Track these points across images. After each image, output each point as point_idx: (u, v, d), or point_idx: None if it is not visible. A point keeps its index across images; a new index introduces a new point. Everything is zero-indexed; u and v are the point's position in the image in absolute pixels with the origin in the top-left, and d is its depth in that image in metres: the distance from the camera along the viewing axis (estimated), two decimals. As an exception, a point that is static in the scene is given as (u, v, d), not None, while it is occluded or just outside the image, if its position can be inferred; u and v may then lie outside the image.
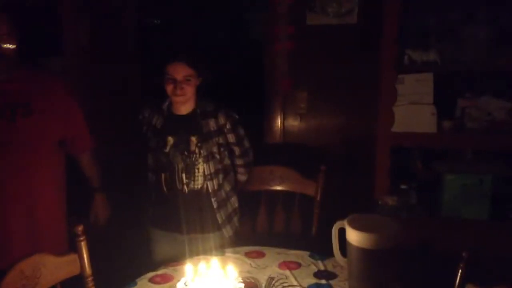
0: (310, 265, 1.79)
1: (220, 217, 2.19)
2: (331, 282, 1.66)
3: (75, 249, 1.61)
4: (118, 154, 2.84)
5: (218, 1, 5.27)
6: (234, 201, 2.29)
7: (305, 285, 1.64)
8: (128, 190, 2.72)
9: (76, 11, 2.78)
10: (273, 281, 1.67)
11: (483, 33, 2.38)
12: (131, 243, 2.43)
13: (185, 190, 2.14)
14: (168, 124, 2.18)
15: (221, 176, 2.20)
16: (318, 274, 1.72)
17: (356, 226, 1.47)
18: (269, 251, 1.92)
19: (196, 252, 2.01)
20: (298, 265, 1.79)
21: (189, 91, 2.10)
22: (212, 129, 2.15)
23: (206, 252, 1.98)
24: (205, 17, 5.24)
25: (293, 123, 2.97)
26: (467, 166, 2.43)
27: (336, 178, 2.48)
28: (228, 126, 2.17)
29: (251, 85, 3.60)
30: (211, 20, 5.36)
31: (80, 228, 1.60)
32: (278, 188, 2.47)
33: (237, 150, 2.26)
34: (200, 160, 2.12)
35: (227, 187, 2.25)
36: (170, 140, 2.14)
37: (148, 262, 2.14)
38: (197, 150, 2.12)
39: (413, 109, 2.41)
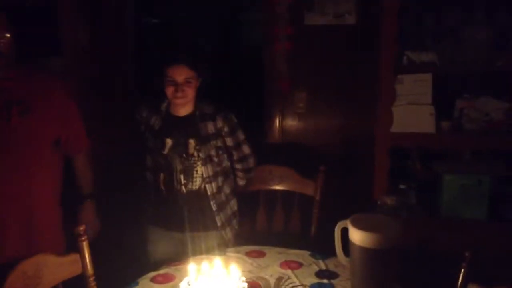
0: (311, 265, 1.80)
1: (219, 220, 2.19)
2: (333, 281, 1.67)
3: (76, 249, 1.60)
4: (118, 154, 2.83)
5: (214, 2, 5.28)
6: (233, 204, 2.29)
7: (307, 284, 1.65)
8: (127, 190, 2.71)
9: (76, 11, 2.77)
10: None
11: (482, 34, 2.40)
12: (132, 243, 2.41)
13: (183, 191, 2.13)
14: (166, 126, 2.16)
15: (220, 178, 2.19)
16: (319, 274, 1.72)
17: (359, 226, 1.47)
18: (270, 251, 1.92)
19: (195, 251, 2.01)
20: (300, 264, 1.80)
21: (190, 93, 2.09)
22: (210, 132, 2.13)
23: (205, 251, 1.98)
24: (202, 17, 5.25)
25: (292, 123, 2.97)
26: (465, 167, 2.44)
27: (335, 178, 2.49)
28: (226, 129, 2.16)
29: (250, 85, 3.61)
30: (208, 20, 5.37)
31: (81, 228, 1.60)
32: (278, 187, 2.47)
33: (235, 154, 2.25)
34: (199, 162, 2.11)
35: (227, 190, 2.24)
36: (168, 142, 2.12)
37: (147, 262, 2.15)
38: (195, 153, 2.10)
39: (411, 109, 2.43)
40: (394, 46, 2.36)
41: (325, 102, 2.90)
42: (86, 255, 1.60)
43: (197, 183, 2.13)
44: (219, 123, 2.14)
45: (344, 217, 1.58)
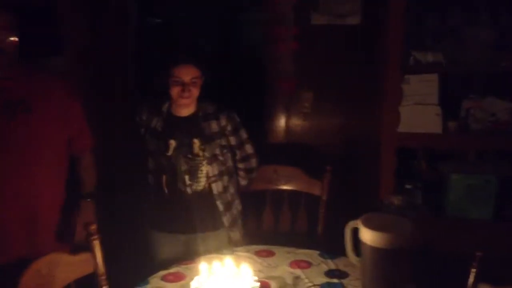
0: (321, 264, 1.80)
1: (226, 220, 2.19)
2: (343, 281, 1.67)
3: (81, 248, 1.61)
4: (118, 155, 2.83)
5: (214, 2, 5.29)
6: (238, 204, 2.29)
7: (318, 284, 1.66)
8: (127, 190, 2.71)
9: (76, 11, 2.78)
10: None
11: (487, 34, 2.41)
12: (140, 243, 2.41)
13: (188, 191, 2.12)
14: (169, 127, 2.14)
15: (226, 178, 2.19)
16: (329, 273, 1.73)
17: (370, 226, 1.47)
18: (279, 250, 1.93)
19: (201, 251, 2.00)
20: (309, 264, 1.80)
21: (195, 92, 2.09)
22: (214, 131, 2.13)
23: (212, 251, 1.98)
24: (202, 17, 5.25)
25: (297, 122, 2.97)
26: (472, 167, 2.44)
27: (341, 177, 2.49)
28: (229, 128, 2.16)
29: (250, 86, 3.61)
30: (208, 20, 5.37)
31: (93, 227, 1.60)
32: (284, 187, 2.47)
33: (238, 153, 2.24)
34: (204, 162, 2.10)
35: (232, 189, 2.24)
36: (172, 143, 2.10)
37: (151, 265, 2.13)
38: (200, 153, 2.10)
39: (418, 109, 2.43)
40: (401, 46, 2.36)
41: (331, 102, 2.90)
42: (98, 254, 1.60)
43: (201, 183, 2.12)
44: (223, 122, 2.14)
45: (350, 217, 1.58)
